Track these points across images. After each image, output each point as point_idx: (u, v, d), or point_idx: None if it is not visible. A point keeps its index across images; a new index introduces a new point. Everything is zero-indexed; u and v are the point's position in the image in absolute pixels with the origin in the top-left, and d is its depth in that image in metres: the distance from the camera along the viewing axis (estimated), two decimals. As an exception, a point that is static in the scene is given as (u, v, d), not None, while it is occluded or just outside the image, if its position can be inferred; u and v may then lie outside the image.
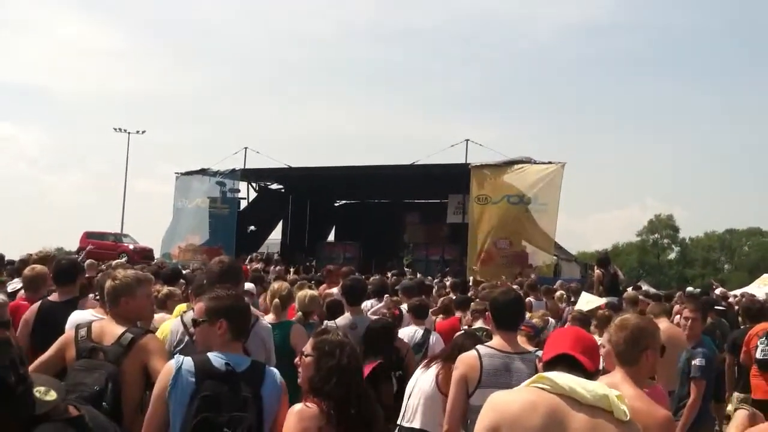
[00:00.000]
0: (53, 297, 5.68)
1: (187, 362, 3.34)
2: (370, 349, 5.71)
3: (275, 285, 6.45)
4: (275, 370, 3.52)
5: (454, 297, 9.89)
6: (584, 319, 7.43)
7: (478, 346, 4.41)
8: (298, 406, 3.19)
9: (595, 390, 2.56)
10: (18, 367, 2.12)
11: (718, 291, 17.16)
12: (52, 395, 2.14)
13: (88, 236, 31.34)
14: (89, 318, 4.40)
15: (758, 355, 6.99)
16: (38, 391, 2.13)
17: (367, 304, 8.28)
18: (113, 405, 3.61)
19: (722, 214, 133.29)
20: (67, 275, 5.73)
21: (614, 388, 3.14)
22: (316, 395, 3.18)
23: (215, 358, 3.36)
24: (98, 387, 3.58)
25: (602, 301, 9.78)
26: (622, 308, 9.21)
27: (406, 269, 21.26)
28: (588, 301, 8.48)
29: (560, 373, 2.61)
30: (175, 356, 3.52)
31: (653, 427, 2.98)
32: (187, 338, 4.27)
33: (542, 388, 2.57)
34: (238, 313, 3.58)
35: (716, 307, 10.90)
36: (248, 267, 16.15)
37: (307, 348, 3.34)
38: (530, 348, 4.64)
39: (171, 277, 9.12)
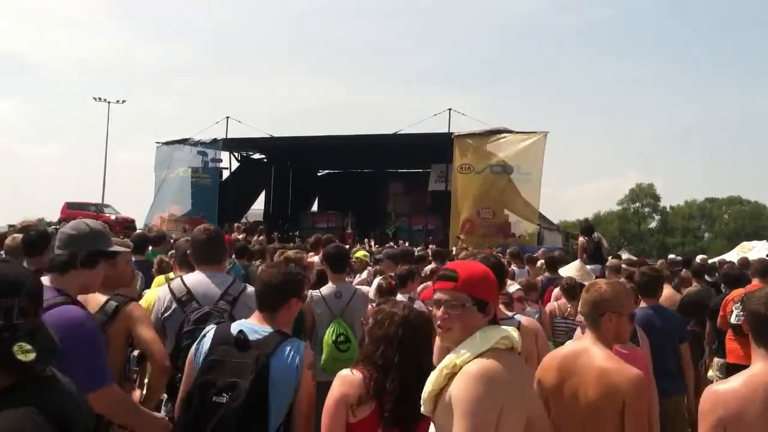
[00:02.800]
0: None
1: (212, 330, 3.45)
2: None
3: (289, 254, 6.42)
4: (300, 342, 3.40)
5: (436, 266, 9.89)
6: (573, 288, 7.35)
7: None
8: (344, 372, 3.22)
9: (515, 335, 2.66)
10: (13, 315, 2.00)
11: (698, 259, 17.25)
12: (30, 356, 1.97)
13: (69, 207, 31.03)
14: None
15: (733, 320, 7.15)
16: (19, 347, 1.97)
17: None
18: None
19: (702, 183, 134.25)
20: (34, 246, 5.67)
21: (585, 350, 3.27)
22: (364, 363, 3.19)
23: (237, 326, 3.39)
24: None
25: (592, 277, 9.77)
26: (605, 276, 9.24)
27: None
28: (577, 269, 8.40)
29: (506, 328, 2.68)
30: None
31: (623, 385, 3.05)
32: (174, 305, 4.27)
33: (506, 348, 2.62)
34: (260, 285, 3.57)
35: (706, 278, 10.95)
36: (231, 237, 16.08)
37: (368, 316, 3.41)
38: (508, 313, 4.64)
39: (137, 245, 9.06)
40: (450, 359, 2.56)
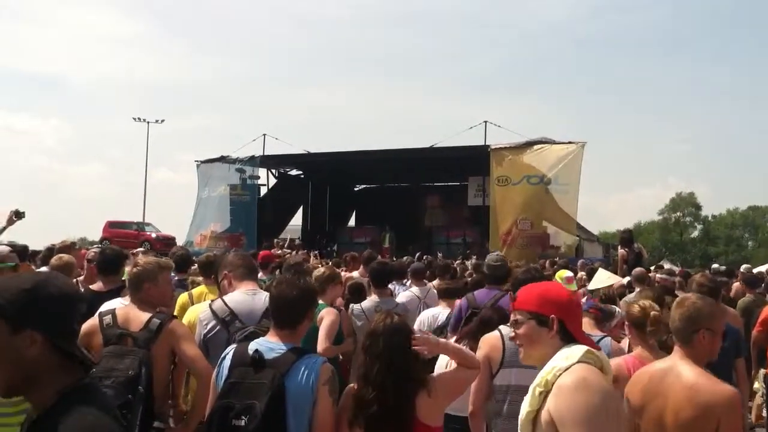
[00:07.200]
0: (97, 286, 5.76)
1: (231, 351, 3.41)
2: None
3: (318, 271, 6.45)
4: (316, 358, 3.35)
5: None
6: (613, 299, 7.21)
7: (501, 327, 4.32)
8: (348, 387, 3.33)
9: (601, 355, 2.61)
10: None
11: (742, 268, 16.93)
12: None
13: (111, 225, 31.50)
14: (114, 305, 4.42)
15: None
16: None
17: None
18: (147, 389, 3.64)
19: (745, 191, 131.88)
20: (111, 265, 5.80)
21: (673, 367, 3.14)
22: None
23: (254, 345, 3.34)
24: (132, 372, 3.60)
25: (620, 279, 9.65)
26: (632, 287, 9.07)
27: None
28: (608, 277, 8.29)
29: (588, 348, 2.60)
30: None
31: (719, 402, 2.97)
32: (218, 326, 4.32)
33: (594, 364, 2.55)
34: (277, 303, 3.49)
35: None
36: (271, 253, 16.18)
37: None
38: (597, 332, 4.57)
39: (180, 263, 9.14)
40: (541, 377, 2.52)
